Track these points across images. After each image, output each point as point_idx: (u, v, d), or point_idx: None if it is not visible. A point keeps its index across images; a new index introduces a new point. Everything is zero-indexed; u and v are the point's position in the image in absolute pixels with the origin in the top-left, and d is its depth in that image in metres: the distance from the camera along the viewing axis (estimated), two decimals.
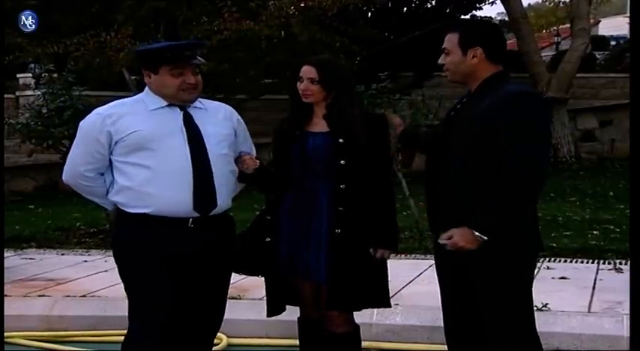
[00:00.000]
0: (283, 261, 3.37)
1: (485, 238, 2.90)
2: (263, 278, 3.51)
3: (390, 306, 3.47)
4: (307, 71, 3.39)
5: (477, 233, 2.91)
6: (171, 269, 3.16)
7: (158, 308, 3.14)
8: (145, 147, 3.11)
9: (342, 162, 3.29)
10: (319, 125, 3.38)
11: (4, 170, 9.66)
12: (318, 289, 3.39)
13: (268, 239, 3.37)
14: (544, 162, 3.03)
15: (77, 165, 3.26)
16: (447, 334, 3.29)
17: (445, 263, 3.18)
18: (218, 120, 3.31)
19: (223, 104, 3.43)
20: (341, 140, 3.29)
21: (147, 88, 3.26)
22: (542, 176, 2.97)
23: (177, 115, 3.21)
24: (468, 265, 3.03)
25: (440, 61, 3.15)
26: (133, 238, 3.18)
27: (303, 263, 3.34)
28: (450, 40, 3.11)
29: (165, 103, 3.19)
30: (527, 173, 2.90)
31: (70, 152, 3.32)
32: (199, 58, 3.21)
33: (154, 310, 3.14)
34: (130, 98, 3.34)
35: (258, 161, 3.37)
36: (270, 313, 3.50)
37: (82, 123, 3.27)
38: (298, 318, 3.56)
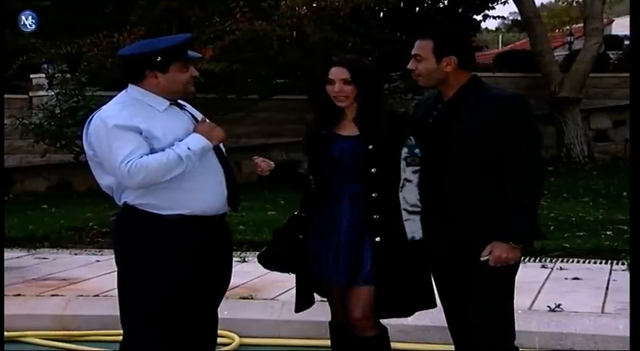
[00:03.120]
0: (311, 260, 3.37)
1: (521, 245, 3.07)
2: (277, 274, 3.52)
3: (435, 306, 3.43)
4: (339, 73, 3.26)
5: (512, 244, 3.05)
6: (196, 268, 3.15)
7: (167, 317, 3.13)
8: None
9: (372, 170, 3.24)
10: (348, 128, 3.33)
11: (4, 170, 9.71)
12: (343, 292, 3.38)
13: (301, 236, 3.39)
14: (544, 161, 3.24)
15: (126, 156, 2.97)
16: (450, 329, 3.37)
17: (437, 258, 3.24)
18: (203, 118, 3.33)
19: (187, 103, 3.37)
20: (370, 147, 3.25)
21: (137, 89, 3.13)
22: (545, 174, 3.21)
23: (184, 114, 3.20)
24: (459, 255, 3.13)
25: (410, 66, 3.19)
26: (165, 242, 3.10)
27: (325, 264, 3.34)
28: (423, 47, 3.15)
29: (168, 103, 3.16)
30: (539, 174, 3.09)
31: (111, 160, 3.02)
32: (192, 51, 3.24)
33: (164, 318, 3.12)
34: (122, 101, 3.15)
35: (272, 163, 3.35)
36: (298, 309, 3.50)
37: (99, 130, 3.07)
38: (329, 322, 3.55)
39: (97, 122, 3.10)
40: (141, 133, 3.03)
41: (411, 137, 3.23)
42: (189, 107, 3.30)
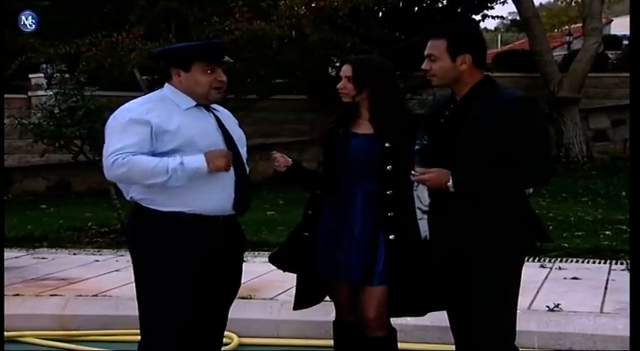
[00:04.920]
0: (317, 258, 3.39)
1: (452, 189, 3.02)
2: (276, 274, 3.52)
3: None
4: (344, 69, 3.37)
5: (450, 182, 3.01)
6: (198, 268, 3.14)
7: (179, 316, 3.12)
8: (188, 146, 3.08)
9: (388, 167, 3.28)
10: (364, 127, 3.38)
11: (4, 170, 9.69)
12: (354, 292, 3.39)
13: (306, 234, 3.40)
14: (552, 163, 3.25)
15: (120, 147, 3.02)
16: (452, 329, 3.34)
17: (441, 256, 3.22)
18: (232, 124, 3.33)
19: (223, 108, 3.40)
20: (387, 145, 3.28)
21: (170, 87, 3.21)
22: (550, 176, 3.15)
23: (208, 116, 3.22)
24: (463, 255, 3.12)
25: (424, 66, 3.17)
26: (166, 239, 3.11)
27: (334, 263, 3.35)
28: (437, 47, 3.13)
29: (195, 103, 3.19)
30: (545, 173, 3.10)
31: (106, 146, 3.09)
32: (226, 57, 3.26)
33: (175, 317, 3.12)
34: (148, 96, 3.26)
35: (290, 160, 3.39)
36: (296, 307, 3.52)
37: (114, 118, 3.15)
38: (333, 321, 3.56)
39: (114, 114, 3.18)
40: (151, 128, 3.06)
41: (425, 136, 3.24)
42: (222, 112, 3.31)
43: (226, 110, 3.38)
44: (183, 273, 3.11)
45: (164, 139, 3.07)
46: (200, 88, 3.17)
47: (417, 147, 3.23)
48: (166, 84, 3.24)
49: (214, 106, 3.29)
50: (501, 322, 3.15)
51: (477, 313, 3.14)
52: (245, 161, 3.27)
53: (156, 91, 3.27)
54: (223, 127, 3.23)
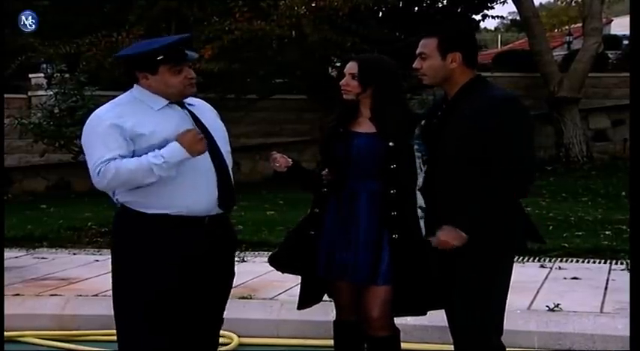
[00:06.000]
0: (321, 258, 3.38)
1: (465, 235, 3.03)
2: (276, 274, 3.52)
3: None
4: (350, 67, 3.38)
5: (459, 231, 3.03)
6: (185, 271, 3.11)
7: (152, 320, 3.11)
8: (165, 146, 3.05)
9: (392, 166, 3.28)
10: (364, 125, 3.38)
11: (4, 170, 9.69)
12: (356, 292, 3.39)
13: (312, 232, 3.40)
14: (535, 162, 3.21)
15: (102, 156, 3.01)
16: (450, 329, 3.33)
17: (435, 255, 3.23)
18: (212, 117, 3.28)
19: (202, 100, 3.34)
20: (391, 144, 3.28)
21: (139, 89, 3.15)
22: (533, 176, 3.15)
23: (182, 113, 3.16)
24: (453, 255, 3.12)
25: (415, 65, 3.18)
26: (152, 243, 3.08)
27: (340, 263, 3.34)
28: (428, 45, 3.15)
29: (167, 102, 3.13)
30: (522, 176, 3.07)
31: (88, 157, 3.10)
32: (191, 51, 3.17)
33: (148, 321, 3.11)
34: (119, 100, 3.19)
35: (290, 160, 3.39)
36: (300, 306, 3.52)
37: (87, 126, 3.15)
38: (334, 321, 3.56)
39: (88, 120, 3.16)
40: (125, 132, 3.03)
41: (420, 138, 3.24)
42: (198, 106, 3.25)
43: (205, 103, 3.31)
44: (159, 276, 3.07)
45: (140, 142, 3.04)
46: (172, 88, 3.11)
47: (420, 148, 3.23)
48: (135, 85, 3.18)
49: (189, 100, 3.22)
50: (484, 322, 3.13)
51: (460, 312, 3.13)
52: (226, 155, 3.21)
53: (126, 93, 3.21)
54: (199, 123, 3.16)
